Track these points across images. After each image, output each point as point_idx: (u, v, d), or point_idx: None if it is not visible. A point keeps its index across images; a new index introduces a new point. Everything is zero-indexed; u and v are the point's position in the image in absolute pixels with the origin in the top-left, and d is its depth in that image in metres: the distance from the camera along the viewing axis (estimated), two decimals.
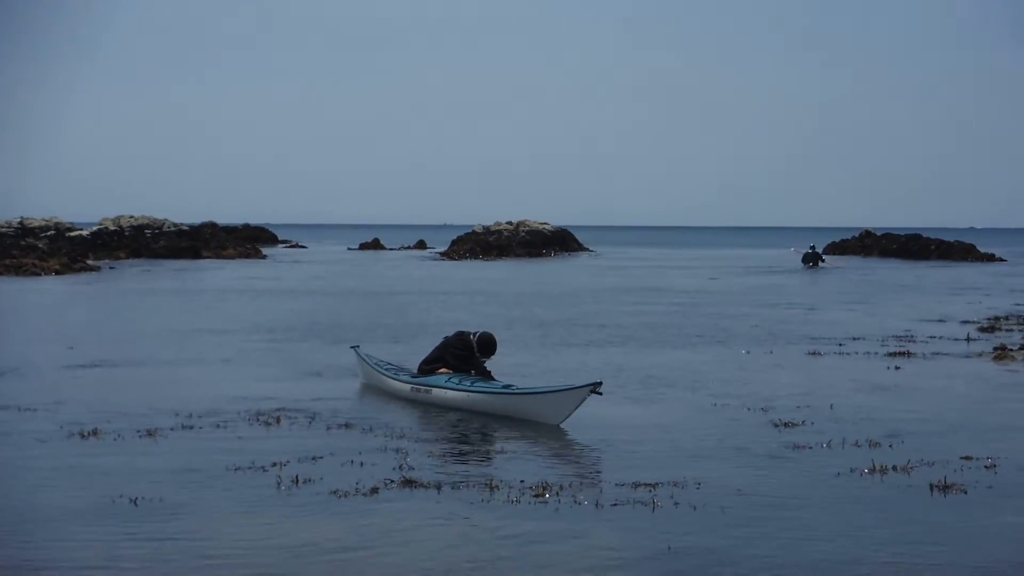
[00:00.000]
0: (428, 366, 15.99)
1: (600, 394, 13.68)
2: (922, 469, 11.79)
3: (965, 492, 10.95)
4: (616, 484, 11.05)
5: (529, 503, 10.39)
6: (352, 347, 18.81)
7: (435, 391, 15.39)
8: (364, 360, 17.56)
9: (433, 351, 16.22)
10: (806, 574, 8.45)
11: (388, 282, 47.00)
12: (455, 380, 15.25)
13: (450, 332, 16.58)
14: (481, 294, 39.12)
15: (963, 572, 8.58)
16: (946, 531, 9.67)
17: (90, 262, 56.49)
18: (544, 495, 10.62)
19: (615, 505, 10.32)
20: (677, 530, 9.54)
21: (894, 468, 11.80)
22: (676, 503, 10.39)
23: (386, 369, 16.75)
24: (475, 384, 15.02)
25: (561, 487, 10.89)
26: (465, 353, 15.74)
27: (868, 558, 8.86)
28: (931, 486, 11.06)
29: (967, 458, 12.35)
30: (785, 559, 8.79)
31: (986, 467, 11.97)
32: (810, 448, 12.86)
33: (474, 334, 15.85)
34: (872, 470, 11.73)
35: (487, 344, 15.72)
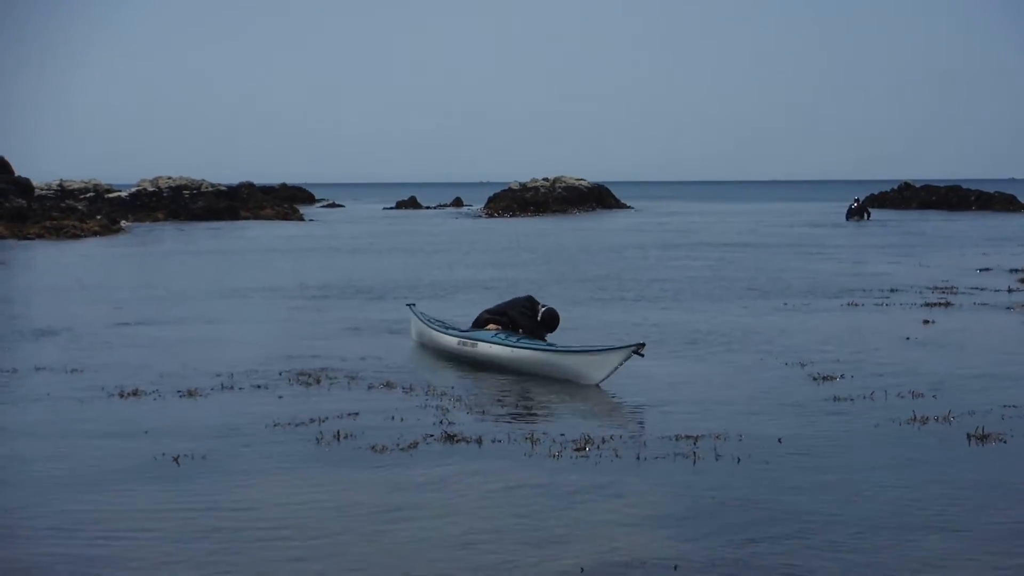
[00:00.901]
0: (489, 315, 16.06)
1: (642, 355, 13.64)
2: (963, 419, 11.74)
3: (1004, 442, 10.90)
4: (658, 438, 11.04)
5: (571, 457, 10.39)
6: (408, 304, 18.90)
7: (480, 345, 15.43)
8: (417, 317, 17.63)
9: (501, 304, 16.37)
10: (848, 525, 8.42)
11: (430, 239, 47.09)
12: (501, 336, 15.29)
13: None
14: (526, 250, 39.21)
15: (1003, 523, 8.53)
16: (986, 480, 9.61)
17: (124, 223, 56.76)
18: (586, 449, 10.62)
19: (658, 458, 10.31)
20: (720, 482, 9.53)
21: (936, 419, 11.75)
22: (718, 455, 10.37)
23: (436, 325, 16.83)
24: (520, 341, 15.05)
25: (603, 441, 10.89)
26: (529, 314, 15.80)
27: (909, 508, 8.82)
28: (969, 436, 11.01)
29: (1009, 407, 12.29)
30: (828, 510, 8.75)
31: None
32: (851, 400, 12.81)
33: (543, 306, 15.92)
34: (912, 420, 11.69)
35: (551, 318, 15.81)
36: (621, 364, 13.67)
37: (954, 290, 24.60)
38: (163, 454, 10.50)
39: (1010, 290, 24.50)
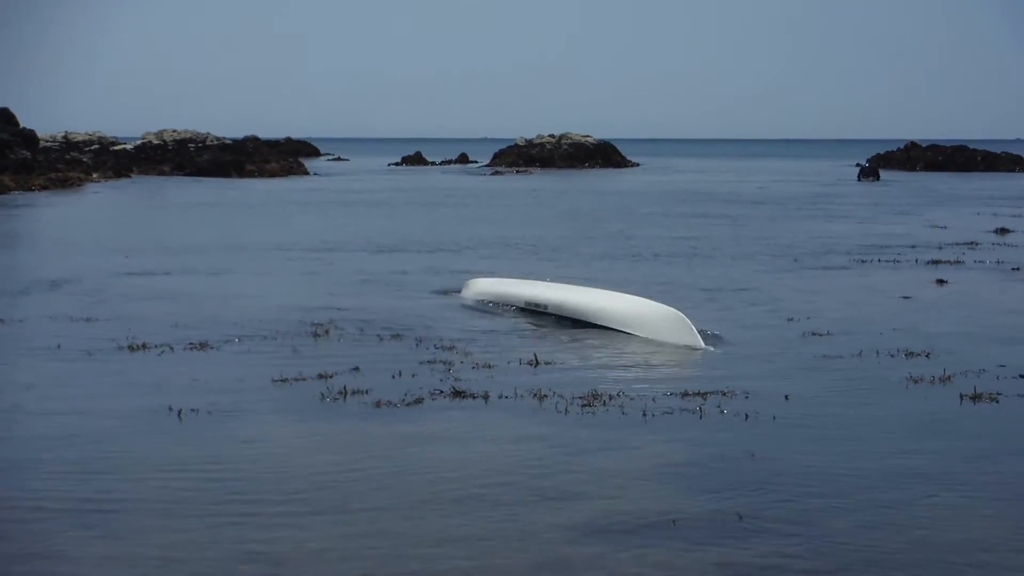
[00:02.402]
0: None
1: (698, 351, 13.42)
2: (968, 378, 11.75)
3: (996, 401, 10.92)
4: (665, 394, 11.05)
5: (577, 413, 10.41)
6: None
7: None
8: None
9: None
10: (856, 482, 8.43)
11: (445, 195, 47.20)
12: None
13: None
14: (545, 207, 39.26)
15: (1012, 479, 8.56)
16: (991, 438, 9.66)
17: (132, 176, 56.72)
18: (592, 405, 10.63)
19: (664, 414, 10.32)
20: (726, 439, 9.54)
21: (940, 378, 11.75)
22: (724, 412, 10.40)
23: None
24: None
25: (610, 397, 10.90)
26: None
27: (916, 465, 8.83)
28: (968, 396, 11.03)
29: (1003, 367, 12.30)
30: (835, 467, 8.76)
31: (1022, 376, 11.91)
32: (858, 358, 12.81)
33: None
34: (916, 379, 11.70)
35: None
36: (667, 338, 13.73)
37: (970, 247, 24.82)
38: (170, 407, 10.50)
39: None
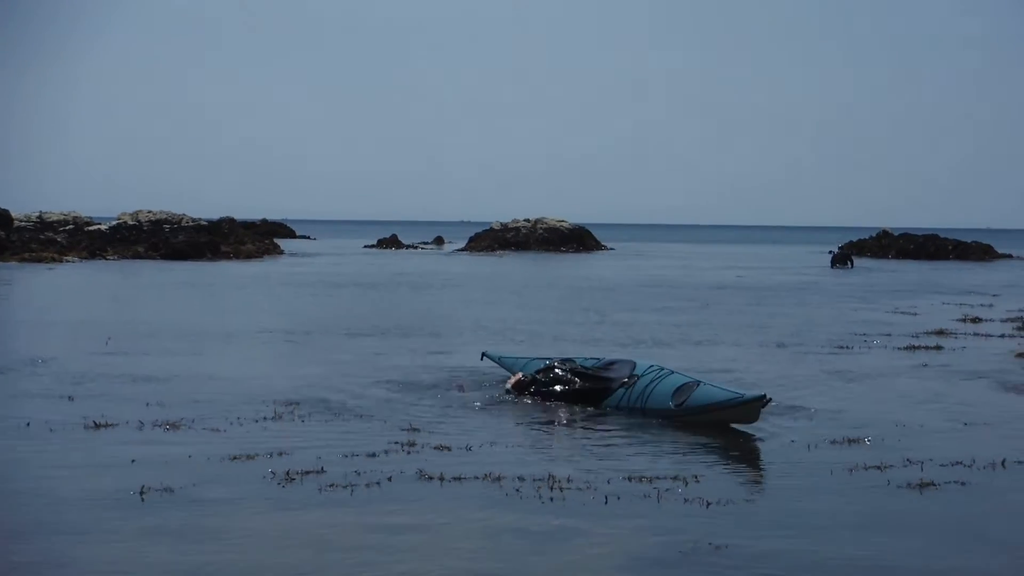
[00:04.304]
0: None
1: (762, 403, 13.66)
2: (921, 467, 11.81)
3: (936, 487, 11.04)
4: (621, 478, 11.13)
5: (535, 497, 10.48)
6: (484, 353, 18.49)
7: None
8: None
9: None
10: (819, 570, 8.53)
11: (420, 277, 47.17)
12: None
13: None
14: (533, 291, 39.29)
15: (980, 568, 8.69)
16: (951, 527, 9.80)
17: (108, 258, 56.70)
18: (551, 488, 10.70)
19: (619, 499, 10.38)
20: (680, 525, 9.63)
21: (900, 465, 11.82)
22: (679, 496, 10.48)
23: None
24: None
25: (567, 479, 10.98)
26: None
27: (882, 554, 8.97)
28: (925, 484, 11.12)
29: (955, 454, 12.40)
30: (791, 551, 8.87)
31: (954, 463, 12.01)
32: (815, 445, 12.88)
33: None
34: (878, 467, 11.75)
35: None
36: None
37: (946, 333, 24.98)
38: (131, 489, 10.50)
39: (1003, 335, 25.01)
